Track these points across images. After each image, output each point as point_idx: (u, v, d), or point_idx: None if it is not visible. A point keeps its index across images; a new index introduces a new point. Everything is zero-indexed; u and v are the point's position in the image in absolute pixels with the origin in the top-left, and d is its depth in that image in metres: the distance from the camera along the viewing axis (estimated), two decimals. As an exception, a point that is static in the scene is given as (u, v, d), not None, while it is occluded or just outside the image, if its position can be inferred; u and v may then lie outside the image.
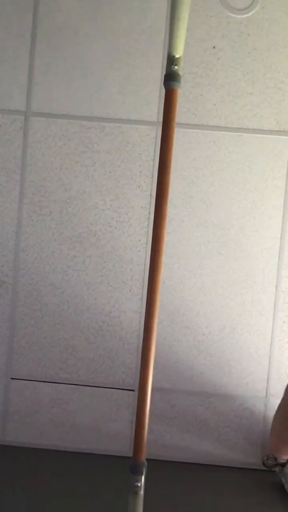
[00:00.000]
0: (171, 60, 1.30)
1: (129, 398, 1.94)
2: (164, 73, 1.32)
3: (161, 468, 1.83)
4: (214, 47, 1.87)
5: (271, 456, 1.30)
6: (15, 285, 1.95)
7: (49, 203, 1.93)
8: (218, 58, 1.87)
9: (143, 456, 1.27)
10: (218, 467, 1.91)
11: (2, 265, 1.95)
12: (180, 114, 1.76)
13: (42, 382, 1.96)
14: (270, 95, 1.87)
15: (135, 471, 1.26)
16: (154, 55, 1.87)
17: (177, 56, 1.29)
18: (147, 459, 1.29)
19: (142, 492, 1.26)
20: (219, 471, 1.89)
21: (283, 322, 1.90)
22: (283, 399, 1.23)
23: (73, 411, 1.96)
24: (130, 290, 1.93)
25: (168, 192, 1.31)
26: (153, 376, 1.28)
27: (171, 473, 1.84)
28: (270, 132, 1.87)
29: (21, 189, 1.93)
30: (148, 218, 1.89)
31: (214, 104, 1.88)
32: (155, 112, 1.88)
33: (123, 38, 1.88)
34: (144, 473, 1.27)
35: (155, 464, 1.39)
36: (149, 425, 1.28)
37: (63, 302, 1.94)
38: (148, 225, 1.89)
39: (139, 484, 1.25)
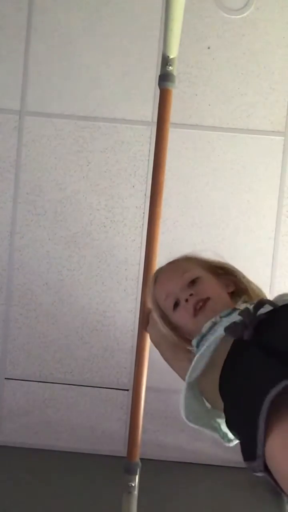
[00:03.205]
0: (165, 61, 1.30)
1: (123, 398, 1.94)
2: (158, 73, 1.32)
3: (156, 468, 1.83)
4: (209, 48, 1.87)
5: None
6: (9, 284, 1.94)
7: (44, 202, 1.92)
8: (213, 59, 1.87)
9: (137, 456, 1.28)
10: (213, 466, 1.92)
11: (-3, 265, 1.95)
12: (175, 114, 1.75)
13: (36, 382, 1.95)
14: (265, 96, 1.87)
15: (129, 471, 1.26)
16: (149, 55, 1.87)
17: (171, 56, 1.29)
18: (142, 459, 1.30)
19: (136, 491, 1.26)
20: (213, 470, 1.90)
21: (277, 322, 1.91)
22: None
23: (67, 411, 1.96)
24: (124, 290, 1.92)
25: (162, 192, 1.31)
26: (148, 376, 1.28)
27: (166, 472, 1.85)
28: (265, 132, 1.88)
29: (15, 188, 1.92)
30: (143, 218, 1.89)
31: (209, 105, 1.88)
32: (149, 112, 1.88)
33: (118, 38, 1.88)
34: (138, 473, 1.27)
35: (150, 464, 1.40)
36: (143, 425, 1.28)
37: (57, 302, 1.94)
38: (142, 225, 1.89)
39: (133, 484, 1.25)
